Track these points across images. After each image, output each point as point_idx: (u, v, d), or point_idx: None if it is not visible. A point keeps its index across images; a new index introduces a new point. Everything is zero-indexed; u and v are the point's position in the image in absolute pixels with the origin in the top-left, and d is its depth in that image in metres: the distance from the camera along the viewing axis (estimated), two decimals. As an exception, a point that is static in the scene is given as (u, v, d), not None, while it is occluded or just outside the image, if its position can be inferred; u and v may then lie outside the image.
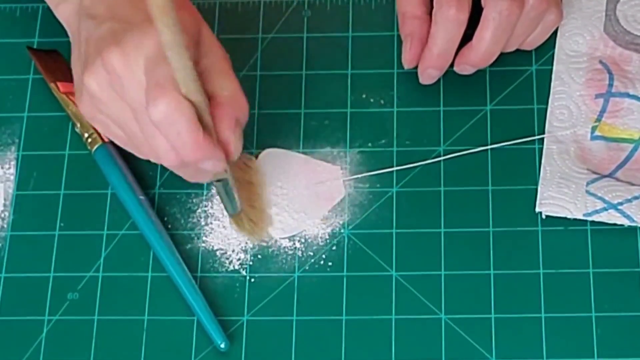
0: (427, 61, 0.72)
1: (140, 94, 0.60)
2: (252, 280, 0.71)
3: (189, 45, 0.59)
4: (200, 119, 0.59)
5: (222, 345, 0.68)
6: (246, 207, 0.70)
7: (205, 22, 0.65)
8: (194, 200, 0.73)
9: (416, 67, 0.74)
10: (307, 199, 0.72)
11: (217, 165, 0.62)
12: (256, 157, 0.73)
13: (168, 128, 0.59)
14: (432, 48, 0.71)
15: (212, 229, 0.72)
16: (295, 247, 0.71)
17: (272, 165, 0.73)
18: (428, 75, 0.73)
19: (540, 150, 0.72)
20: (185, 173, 0.66)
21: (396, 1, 0.75)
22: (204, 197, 0.73)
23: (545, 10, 0.70)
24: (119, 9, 0.63)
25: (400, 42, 0.75)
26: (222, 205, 0.71)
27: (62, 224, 0.73)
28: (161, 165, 0.74)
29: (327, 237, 0.71)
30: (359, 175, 0.73)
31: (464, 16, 0.69)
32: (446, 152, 0.73)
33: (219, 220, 0.72)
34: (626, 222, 0.69)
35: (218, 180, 0.65)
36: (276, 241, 0.71)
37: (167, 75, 0.58)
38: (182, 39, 0.56)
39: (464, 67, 0.73)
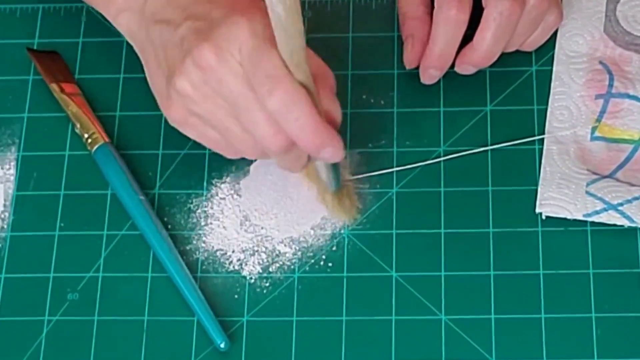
0: (428, 61, 0.72)
1: (238, 84, 0.60)
2: (252, 280, 0.71)
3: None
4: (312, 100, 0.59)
5: (222, 345, 0.68)
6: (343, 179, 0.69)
7: None
8: (194, 201, 0.73)
9: (417, 68, 0.74)
10: (307, 199, 0.72)
11: (335, 154, 0.61)
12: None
13: (286, 116, 0.59)
14: (433, 48, 0.71)
15: (212, 229, 0.72)
16: (296, 248, 0.71)
17: (272, 167, 0.73)
18: (429, 75, 0.73)
19: (540, 150, 0.72)
20: (284, 159, 0.64)
21: (397, 1, 0.75)
22: (204, 198, 0.73)
23: (545, 10, 0.71)
24: (194, 9, 0.63)
25: (400, 42, 0.75)
26: (225, 206, 0.71)
27: (62, 225, 0.73)
28: (161, 166, 0.74)
29: (327, 237, 0.71)
30: (360, 176, 0.73)
31: (465, 17, 0.69)
32: (446, 153, 0.73)
33: (219, 220, 0.72)
34: (626, 223, 0.69)
35: None
36: (276, 241, 0.71)
37: (275, 64, 0.58)
38: (297, 17, 0.55)
39: (466, 67, 0.73)
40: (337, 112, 0.62)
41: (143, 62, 0.67)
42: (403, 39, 0.74)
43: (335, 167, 0.66)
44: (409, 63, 0.74)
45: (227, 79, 0.60)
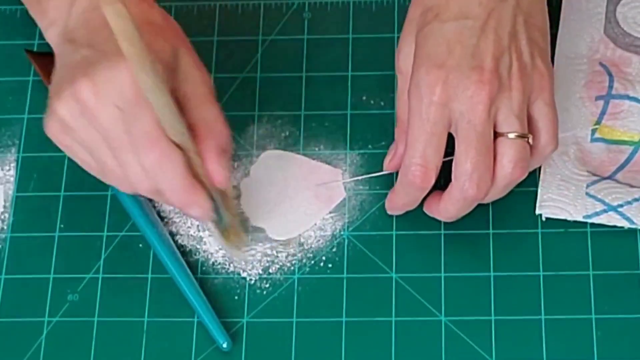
0: (391, 203, 0.70)
1: (115, 126, 0.61)
2: (252, 281, 0.71)
3: (165, 75, 0.60)
4: (187, 159, 0.62)
5: (225, 345, 0.68)
6: (230, 219, 0.69)
7: (185, 38, 0.65)
8: (194, 202, 0.73)
9: None
10: (307, 200, 0.72)
11: (202, 214, 0.64)
12: (256, 158, 0.74)
13: (158, 174, 0.61)
14: (394, 198, 0.69)
15: (212, 230, 0.72)
16: (296, 249, 0.71)
17: (272, 167, 0.73)
18: (393, 213, 0.71)
19: (540, 152, 0.72)
20: (161, 199, 0.66)
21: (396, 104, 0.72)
22: (204, 199, 0.73)
23: (520, 178, 0.66)
24: (97, 35, 0.62)
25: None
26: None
27: (62, 226, 0.73)
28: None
29: (327, 239, 0.71)
30: (359, 177, 0.73)
31: (429, 184, 0.65)
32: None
33: (219, 221, 0.73)
34: (626, 224, 0.69)
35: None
36: (276, 242, 0.71)
37: (152, 122, 0.60)
38: (160, 80, 0.57)
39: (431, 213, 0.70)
40: (218, 174, 0.63)
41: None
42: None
43: (217, 212, 0.67)
44: (385, 167, 0.71)
45: (103, 119, 0.61)
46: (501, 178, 0.65)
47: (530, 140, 0.65)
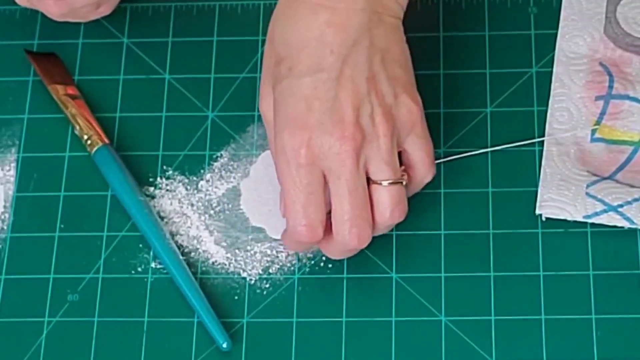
0: (285, 243, 0.69)
1: None
2: (252, 281, 0.71)
3: None
4: None
5: (225, 345, 0.68)
6: None
7: None
8: (194, 202, 0.73)
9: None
10: None
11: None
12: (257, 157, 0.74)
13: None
14: (287, 244, 0.69)
15: (212, 230, 0.72)
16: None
17: (272, 167, 0.73)
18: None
19: (541, 152, 0.72)
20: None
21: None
22: (204, 199, 0.73)
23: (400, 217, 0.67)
24: None
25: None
26: (225, 207, 0.71)
27: (62, 226, 0.73)
28: (161, 167, 0.74)
29: (327, 239, 0.71)
30: None
31: (318, 238, 0.65)
32: (446, 154, 0.73)
33: (218, 221, 0.72)
34: (626, 225, 0.69)
35: None
36: (276, 243, 0.71)
37: None
38: None
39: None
40: None
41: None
42: None
43: None
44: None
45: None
46: (381, 223, 0.66)
47: (405, 182, 0.66)
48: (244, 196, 0.73)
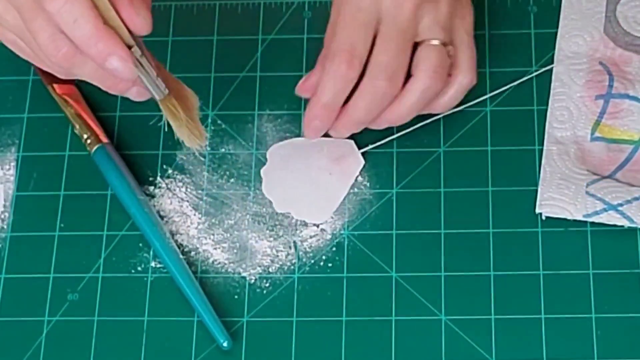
0: (313, 110, 0.69)
1: None
2: (252, 281, 0.71)
3: None
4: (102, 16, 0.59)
5: (225, 344, 0.68)
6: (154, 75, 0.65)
7: None
8: (193, 202, 0.73)
9: None
10: (327, 178, 0.72)
11: (122, 65, 0.59)
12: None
13: (64, 18, 0.58)
14: (319, 97, 0.68)
15: (212, 230, 0.72)
16: (296, 248, 0.71)
17: (285, 156, 0.73)
18: (314, 128, 0.70)
19: (540, 151, 0.72)
20: (89, 75, 0.63)
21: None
22: (203, 198, 0.73)
23: (439, 90, 0.68)
24: None
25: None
26: (224, 207, 0.71)
27: (62, 225, 0.73)
28: (161, 166, 0.74)
29: (327, 238, 0.71)
30: (372, 146, 0.72)
31: (354, 74, 0.66)
32: (446, 153, 0.73)
33: (218, 221, 0.72)
34: (626, 223, 0.69)
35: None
36: (276, 242, 0.71)
37: None
38: None
39: (337, 131, 0.70)
40: (135, 22, 0.60)
41: None
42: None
43: (146, 72, 0.63)
44: (297, 89, 0.71)
45: None
46: (418, 81, 0.66)
47: (451, 52, 0.66)
48: (266, 189, 0.73)
